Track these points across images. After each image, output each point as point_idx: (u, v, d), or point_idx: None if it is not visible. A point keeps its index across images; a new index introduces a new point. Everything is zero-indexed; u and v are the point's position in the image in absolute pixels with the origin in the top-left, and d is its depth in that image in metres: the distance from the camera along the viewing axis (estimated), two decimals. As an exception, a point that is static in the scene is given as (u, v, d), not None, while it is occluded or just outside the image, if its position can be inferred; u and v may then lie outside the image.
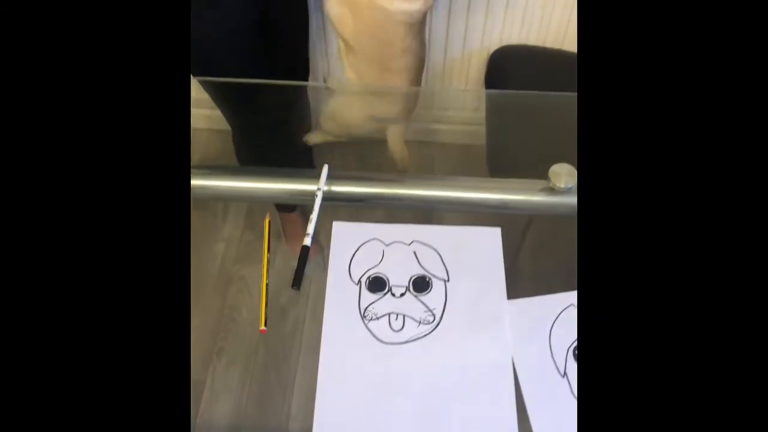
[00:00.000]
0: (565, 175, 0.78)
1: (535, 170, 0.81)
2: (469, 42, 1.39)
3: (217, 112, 1.45)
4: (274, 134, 1.18)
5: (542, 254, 0.87)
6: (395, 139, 0.99)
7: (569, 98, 0.81)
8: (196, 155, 1.47)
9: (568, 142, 0.89)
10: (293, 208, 1.18)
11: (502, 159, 0.99)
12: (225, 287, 1.16)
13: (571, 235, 0.87)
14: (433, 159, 1.47)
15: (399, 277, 0.70)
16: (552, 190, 0.79)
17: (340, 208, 0.82)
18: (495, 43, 1.36)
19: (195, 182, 0.81)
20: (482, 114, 1.24)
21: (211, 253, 1.26)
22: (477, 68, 1.44)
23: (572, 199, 0.78)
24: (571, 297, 0.68)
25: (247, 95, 1.10)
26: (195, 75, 1.05)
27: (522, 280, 0.80)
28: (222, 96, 1.14)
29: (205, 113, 1.45)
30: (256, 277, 1.15)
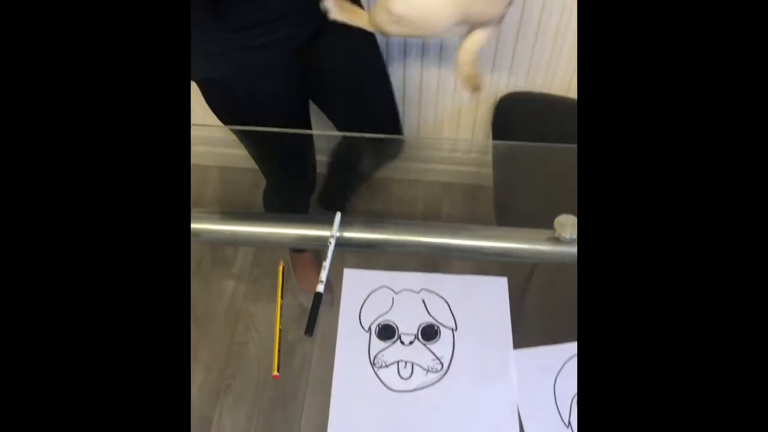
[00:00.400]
0: (569, 226, 0.81)
1: (542, 220, 0.84)
2: (477, 87, 1.43)
3: (232, 151, 1.48)
4: (309, 194, 1.20)
5: (547, 303, 0.89)
6: (472, 48, 0.84)
7: (575, 150, 0.83)
8: (208, 192, 1.51)
9: (574, 193, 0.91)
10: (304, 249, 1.20)
11: (510, 208, 1.02)
12: (234, 324, 1.18)
13: (575, 284, 0.89)
14: (441, 199, 1.50)
15: (408, 325, 0.72)
16: (557, 240, 0.81)
17: (348, 251, 0.84)
18: (502, 89, 1.40)
19: (207, 226, 0.84)
20: (489, 157, 1.27)
21: (220, 290, 1.28)
22: (484, 113, 1.47)
23: (577, 250, 0.81)
24: (576, 347, 0.70)
25: (288, 150, 1.13)
26: (226, 124, 1.08)
27: (526, 329, 0.81)
28: (259, 150, 1.15)
29: (219, 151, 1.48)
30: (265, 314, 1.17)
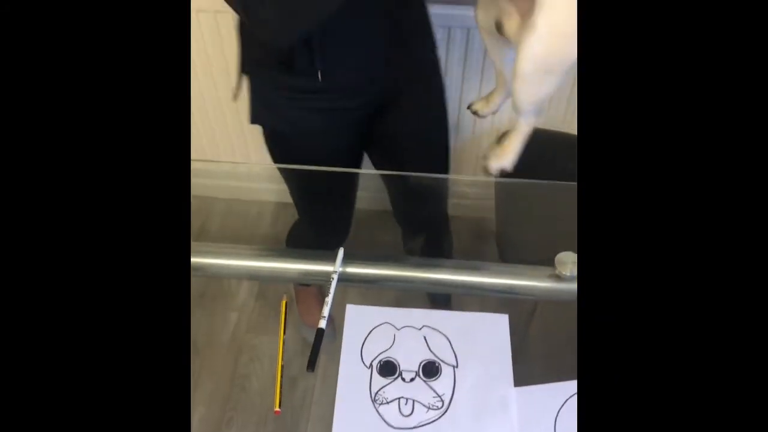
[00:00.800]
0: (570, 263, 0.82)
1: (545, 256, 0.84)
2: (480, 123, 1.44)
3: (239, 184, 1.50)
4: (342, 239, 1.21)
5: (550, 339, 0.90)
6: None
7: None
8: (212, 225, 1.52)
9: (575, 230, 0.92)
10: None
11: (512, 244, 1.02)
12: (236, 356, 1.19)
13: (570, 323, 0.89)
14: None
15: (409, 361, 0.72)
16: (558, 278, 0.82)
17: (352, 286, 0.85)
18: (505, 124, 1.42)
19: (209, 261, 0.84)
20: (491, 191, 1.28)
21: (224, 322, 1.29)
22: (487, 149, 1.49)
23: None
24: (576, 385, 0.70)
25: (330, 193, 1.14)
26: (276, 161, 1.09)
27: (529, 365, 0.82)
28: (300, 186, 1.17)
29: (224, 184, 1.50)
30: (268, 347, 1.17)
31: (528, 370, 0.80)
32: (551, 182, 0.95)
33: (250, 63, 0.96)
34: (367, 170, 1.19)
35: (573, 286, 0.82)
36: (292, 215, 1.23)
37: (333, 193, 1.13)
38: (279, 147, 1.06)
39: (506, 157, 0.83)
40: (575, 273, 0.81)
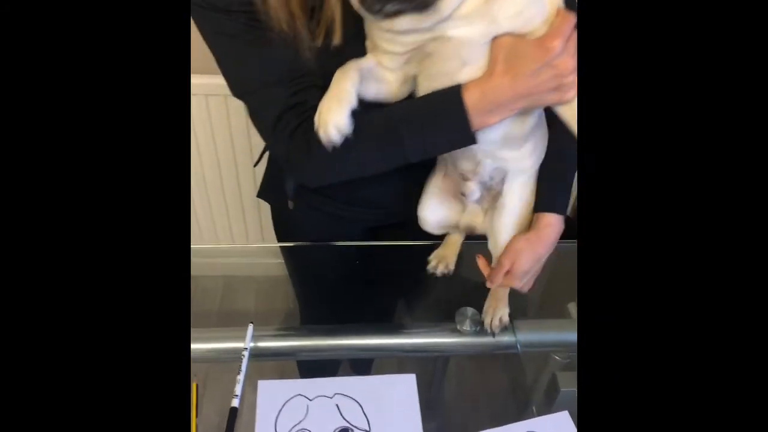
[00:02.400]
0: (469, 318, 0.87)
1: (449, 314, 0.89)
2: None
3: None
4: None
5: (464, 390, 0.94)
6: None
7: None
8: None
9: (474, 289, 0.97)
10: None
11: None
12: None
13: (480, 374, 0.94)
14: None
15: (323, 430, 0.74)
16: (459, 332, 0.87)
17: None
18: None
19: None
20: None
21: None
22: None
23: (478, 340, 0.87)
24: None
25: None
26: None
27: (444, 417, 0.85)
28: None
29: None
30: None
31: (450, 420, 0.84)
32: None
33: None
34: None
35: (473, 340, 0.87)
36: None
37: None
38: (281, 230, 1.06)
39: (503, 307, 0.89)
40: (476, 327, 0.86)
